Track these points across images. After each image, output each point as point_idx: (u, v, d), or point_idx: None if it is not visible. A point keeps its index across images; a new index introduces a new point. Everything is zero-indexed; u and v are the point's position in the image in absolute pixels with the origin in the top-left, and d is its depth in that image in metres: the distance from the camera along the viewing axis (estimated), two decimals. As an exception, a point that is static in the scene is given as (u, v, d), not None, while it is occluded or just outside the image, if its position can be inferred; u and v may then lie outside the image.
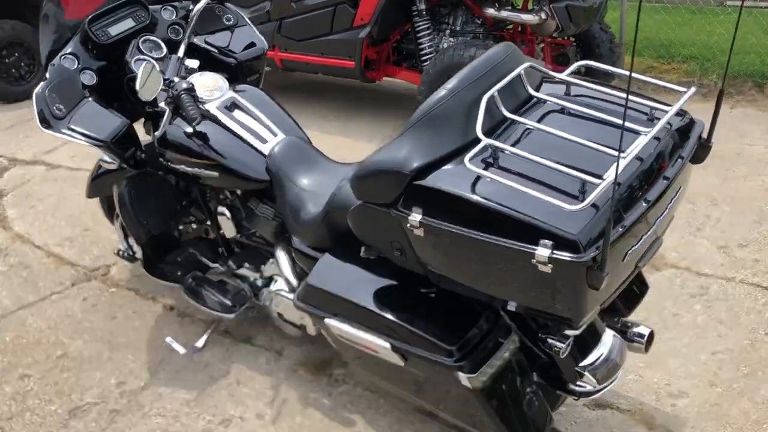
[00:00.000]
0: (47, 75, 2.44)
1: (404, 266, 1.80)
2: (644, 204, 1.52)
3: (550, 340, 1.81)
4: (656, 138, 1.62)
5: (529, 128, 1.62)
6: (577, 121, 1.64)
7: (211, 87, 2.46)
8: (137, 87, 2.20)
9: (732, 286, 2.94)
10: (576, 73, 1.86)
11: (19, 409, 2.48)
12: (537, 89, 1.76)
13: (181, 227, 2.81)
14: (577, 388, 1.91)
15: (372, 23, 4.44)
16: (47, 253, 3.51)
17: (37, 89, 2.39)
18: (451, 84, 1.65)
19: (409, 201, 1.62)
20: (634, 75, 1.80)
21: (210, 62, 2.67)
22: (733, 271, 3.04)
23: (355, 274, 1.94)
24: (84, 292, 3.15)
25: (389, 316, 1.81)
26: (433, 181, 1.58)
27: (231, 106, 2.44)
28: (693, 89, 1.67)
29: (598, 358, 1.89)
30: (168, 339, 2.69)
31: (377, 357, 1.89)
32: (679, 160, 1.64)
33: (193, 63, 2.54)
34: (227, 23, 2.81)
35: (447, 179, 1.57)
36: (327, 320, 1.93)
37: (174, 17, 2.72)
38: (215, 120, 2.39)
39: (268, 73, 6.08)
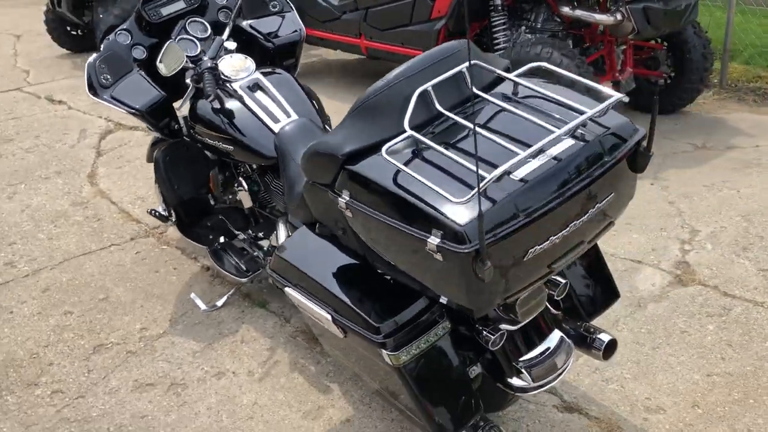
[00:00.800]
0: (101, 48, 2.74)
1: (348, 245, 1.92)
2: (549, 205, 1.55)
3: (484, 332, 1.87)
4: (584, 141, 1.63)
5: (456, 124, 1.68)
6: (509, 119, 1.68)
7: (237, 68, 2.67)
8: (157, 62, 2.44)
9: (757, 311, 2.79)
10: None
11: (56, 339, 2.84)
12: (488, 88, 1.81)
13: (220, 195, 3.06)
14: (513, 383, 1.95)
15: (448, 16, 4.50)
16: (119, 209, 3.90)
17: (90, 59, 2.70)
18: (391, 75, 1.74)
19: (341, 183, 1.74)
20: (570, 74, 1.81)
21: (252, 45, 2.89)
22: (765, 296, 2.88)
23: (317, 248, 2.07)
24: (139, 247, 3.50)
25: (334, 290, 1.93)
26: (357, 166, 1.69)
27: (254, 87, 2.63)
28: (621, 95, 1.66)
29: (536, 356, 1.93)
30: (192, 295, 2.96)
31: (327, 329, 2.02)
32: (606, 165, 1.64)
33: (231, 45, 2.76)
34: (273, 9, 3.02)
35: (368, 165, 1.67)
36: (287, 288, 2.09)
37: (225, 1, 2.96)
38: (238, 98, 2.60)
39: (358, 60, 6.31)
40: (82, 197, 4.06)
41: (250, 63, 2.71)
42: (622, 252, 3.24)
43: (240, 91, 2.61)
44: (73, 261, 3.40)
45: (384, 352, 1.80)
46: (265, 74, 2.70)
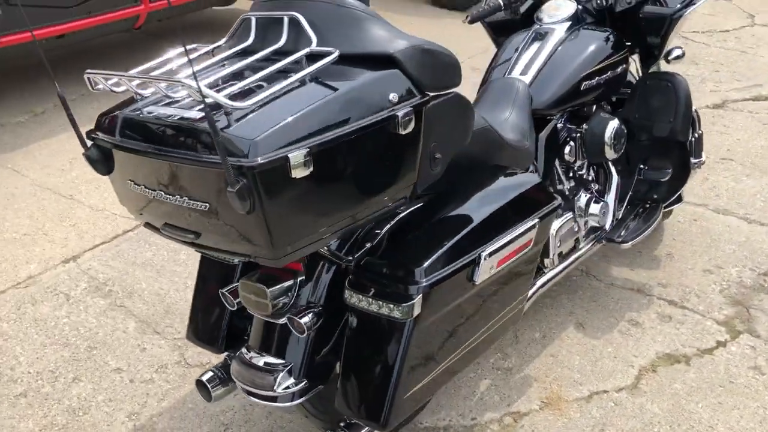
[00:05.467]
0: None
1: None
2: (125, 143, 1.44)
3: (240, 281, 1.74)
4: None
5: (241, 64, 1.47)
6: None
7: (550, 11, 2.50)
8: None
9: None
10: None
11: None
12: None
13: None
14: None
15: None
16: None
17: None
18: None
19: None
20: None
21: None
22: None
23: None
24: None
25: None
26: None
27: (542, 34, 2.44)
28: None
29: (240, 353, 1.76)
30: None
31: None
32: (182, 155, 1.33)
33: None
34: None
35: None
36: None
37: None
38: (524, 38, 2.47)
39: None
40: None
41: (565, 12, 2.47)
42: None
43: (536, 30, 2.47)
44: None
45: None
46: (568, 30, 2.41)
